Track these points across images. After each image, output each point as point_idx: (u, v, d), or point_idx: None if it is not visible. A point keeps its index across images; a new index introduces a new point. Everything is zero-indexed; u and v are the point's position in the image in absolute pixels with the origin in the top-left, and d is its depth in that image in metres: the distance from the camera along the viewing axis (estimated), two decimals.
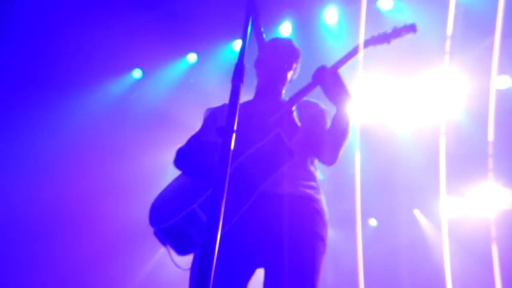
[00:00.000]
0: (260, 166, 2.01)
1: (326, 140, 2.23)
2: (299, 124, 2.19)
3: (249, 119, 2.13)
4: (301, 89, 2.25)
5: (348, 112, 2.23)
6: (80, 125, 5.49)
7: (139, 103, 5.83)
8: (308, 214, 2.09)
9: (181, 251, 1.99)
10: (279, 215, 2.04)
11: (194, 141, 2.32)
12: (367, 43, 2.32)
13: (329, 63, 2.27)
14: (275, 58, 2.43)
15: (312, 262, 2.00)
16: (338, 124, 2.22)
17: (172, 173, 2.29)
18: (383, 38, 2.31)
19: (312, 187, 2.20)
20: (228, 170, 1.28)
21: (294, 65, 2.46)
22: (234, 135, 1.35)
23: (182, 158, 2.27)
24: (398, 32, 2.29)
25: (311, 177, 2.24)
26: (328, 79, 2.21)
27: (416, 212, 6.56)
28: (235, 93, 1.43)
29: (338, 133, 2.22)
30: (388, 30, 2.31)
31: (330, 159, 2.28)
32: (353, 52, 2.27)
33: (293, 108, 2.22)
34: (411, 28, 2.28)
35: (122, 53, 5.35)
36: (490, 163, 4.92)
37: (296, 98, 2.22)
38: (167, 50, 5.47)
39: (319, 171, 2.35)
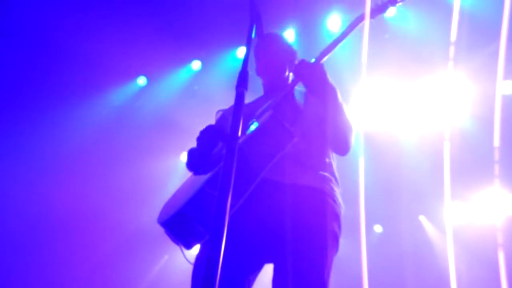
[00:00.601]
0: (258, 149, 1.90)
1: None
2: (301, 106, 2.11)
3: (254, 112, 2.09)
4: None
5: (329, 95, 2.08)
6: (85, 132, 5.52)
7: (144, 110, 5.85)
8: (317, 208, 1.97)
9: (187, 244, 1.92)
10: (287, 207, 1.94)
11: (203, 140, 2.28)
12: (356, 22, 2.29)
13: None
14: (270, 61, 2.37)
15: (321, 259, 1.87)
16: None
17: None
18: (378, 9, 2.26)
19: (324, 178, 2.07)
20: (233, 176, 1.27)
21: (290, 55, 2.41)
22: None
23: (191, 158, 2.22)
24: None
25: (324, 167, 2.11)
26: (309, 74, 2.09)
27: (422, 218, 6.53)
28: (239, 100, 1.43)
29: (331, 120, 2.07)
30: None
31: (337, 146, 2.16)
32: (337, 40, 2.26)
33: (295, 87, 2.14)
34: None
35: (127, 61, 5.38)
36: (496, 169, 4.89)
37: (296, 80, 2.14)
38: (172, 58, 5.51)
39: (335, 161, 2.21)
